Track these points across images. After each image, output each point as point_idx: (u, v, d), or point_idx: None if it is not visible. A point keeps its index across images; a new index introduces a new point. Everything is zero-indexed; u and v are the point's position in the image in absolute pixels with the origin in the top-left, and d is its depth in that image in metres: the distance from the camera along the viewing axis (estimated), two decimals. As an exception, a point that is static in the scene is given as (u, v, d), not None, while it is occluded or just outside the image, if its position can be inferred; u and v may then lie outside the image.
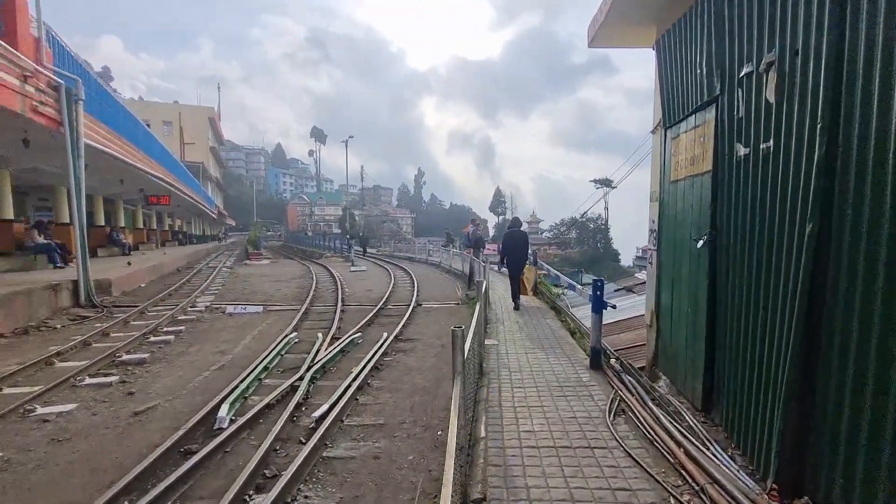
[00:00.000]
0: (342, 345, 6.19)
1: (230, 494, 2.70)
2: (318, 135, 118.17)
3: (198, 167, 38.75)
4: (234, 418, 3.89)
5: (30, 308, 7.23)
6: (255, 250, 24.00)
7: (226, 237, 48.26)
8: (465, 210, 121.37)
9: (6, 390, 4.45)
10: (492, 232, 74.71)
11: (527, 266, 10.11)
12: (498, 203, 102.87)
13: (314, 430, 3.64)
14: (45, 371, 5.09)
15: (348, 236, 25.12)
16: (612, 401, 3.82)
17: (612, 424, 3.38)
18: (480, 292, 6.14)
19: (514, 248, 8.62)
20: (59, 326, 7.32)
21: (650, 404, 3.67)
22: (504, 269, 9.57)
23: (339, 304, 9.64)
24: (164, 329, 7.13)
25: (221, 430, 3.68)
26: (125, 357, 5.51)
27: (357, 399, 4.41)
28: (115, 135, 12.88)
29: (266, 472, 3.13)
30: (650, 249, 4.89)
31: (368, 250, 33.62)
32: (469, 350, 3.16)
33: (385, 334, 6.82)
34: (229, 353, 6.05)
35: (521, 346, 5.75)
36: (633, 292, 13.72)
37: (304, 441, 3.51)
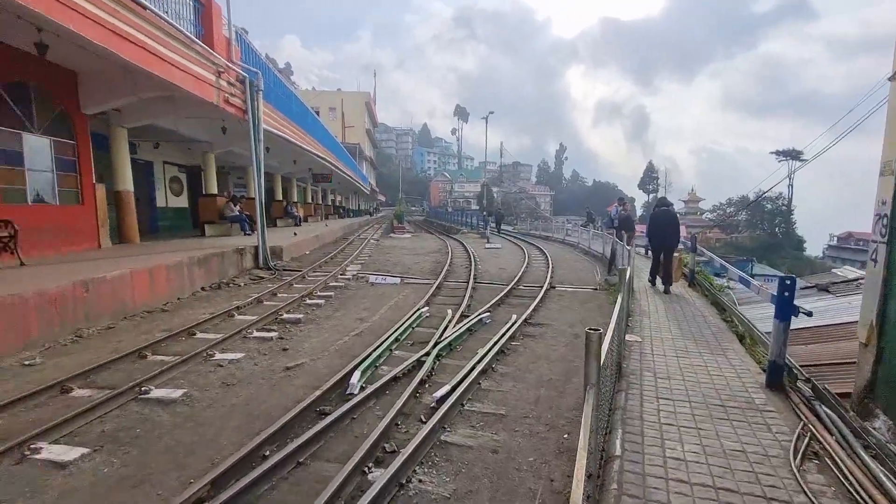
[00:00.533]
0: (470, 323, 6.12)
1: (352, 463, 2.76)
2: (461, 113, 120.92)
3: (354, 147, 42.90)
4: (364, 385, 4.07)
5: (223, 267, 8.77)
6: (399, 224, 25.78)
7: (376, 211, 53.07)
8: (610, 188, 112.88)
9: (199, 335, 5.41)
10: (639, 212, 67.99)
11: (679, 251, 8.75)
12: (649, 179, 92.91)
13: (435, 409, 3.58)
14: (226, 322, 6.08)
15: (485, 213, 25.24)
16: (798, 437, 2.94)
17: (798, 471, 2.58)
18: (623, 281, 5.41)
19: (663, 227, 8.05)
20: (241, 284, 8.78)
21: (860, 452, 2.71)
22: (650, 254, 8.68)
23: (471, 280, 9.65)
24: (318, 293, 7.99)
25: (352, 395, 3.87)
26: (285, 316, 6.28)
27: (479, 384, 4.25)
28: (287, 121, 14.78)
29: (386, 445, 3.17)
30: (874, 241, 3.61)
31: (504, 227, 33.54)
32: (607, 351, 2.68)
33: (514, 317, 6.55)
34: (367, 320, 6.46)
35: (671, 347, 4.91)
36: (830, 293, 10.96)
37: (424, 420, 3.48)
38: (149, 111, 9.77)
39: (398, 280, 9.62)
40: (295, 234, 12.45)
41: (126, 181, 10.09)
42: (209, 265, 8.29)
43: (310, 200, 30.47)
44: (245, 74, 9.87)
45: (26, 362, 4.43)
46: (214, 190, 15.08)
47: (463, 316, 6.76)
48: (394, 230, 25.16)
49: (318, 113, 51.90)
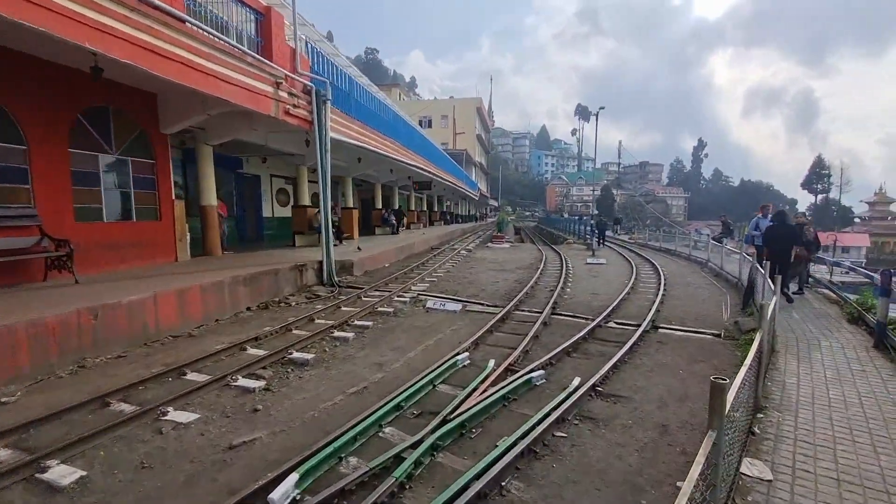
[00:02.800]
0: (510, 386, 4.52)
1: None
2: (583, 112, 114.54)
3: (461, 154, 42.61)
4: (298, 498, 2.85)
5: (276, 285, 8.39)
6: (499, 234, 24.34)
7: (486, 217, 52.14)
8: (762, 188, 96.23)
9: (188, 376, 4.76)
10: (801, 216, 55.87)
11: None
12: (817, 177, 76.73)
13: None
14: (231, 357, 5.40)
15: (592, 222, 22.44)
16: None
17: None
18: (764, 327, 3.33)
19: (778, 240, 8.12)
20: (292, 304, 8.29)
21: None
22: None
23: (548, 310, 7.88)
24: (356, 321, 7.04)
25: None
26: (295, 355, 5.39)
27: (471, 521, 2.71)
28: (372, 131, 14.46)
29: None
30: None
31: (620, 235, 29.87)
32: None
33: (577, 380, 4.74)
34: (388, 367, 5.25)
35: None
36: None
37: None
38: (228, 127, 9.98)
39: (459, 307, 8.27)
40: (359, 248, 11.90)
41: (210, 196, 10.48)
42: (259, 284, 7.93)
43: (413, 208, 30.71)
44: (311, 84, 9.50)
45: (3, 399, 4.15)
46: (307, 201, 15.46)
47: (509, 370, 5.16)
48: (492, 239, 23.81)
49: (430, 122, 53.22)
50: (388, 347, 5.96)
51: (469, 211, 56.65)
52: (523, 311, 8.23)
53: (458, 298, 9.00)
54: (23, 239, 6.36)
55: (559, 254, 17.95)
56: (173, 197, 9.20)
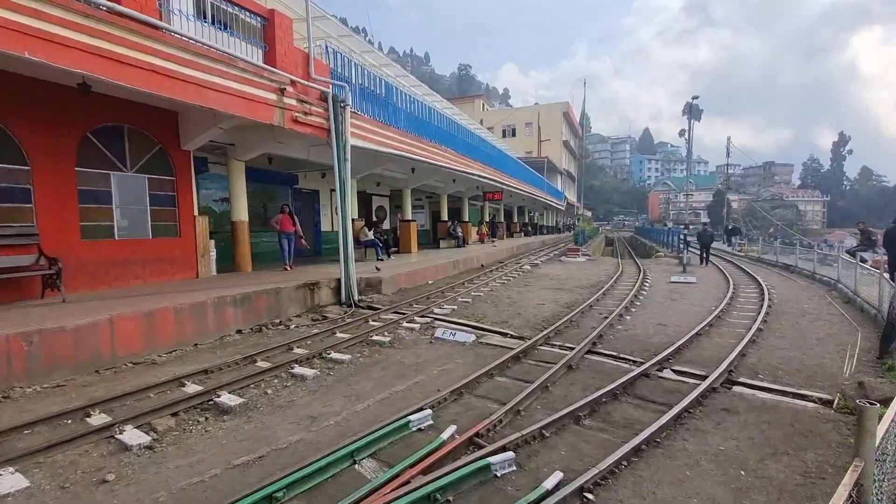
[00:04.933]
0: (451, 477, 3.08)
1: None
2: (695, 112, 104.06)
3: (542, 162, 40.37)
4: None
5: (276, 305, 7.74)
6: (575, 247, 21.97)
7: (573, 228, 48.51)
8: (933, 187, 78.17)
9: (91, 418, 4.07)
10: None
11: None
12: None
13: None
14: (162, 395, 4.65)
15: (683, 233, 19.09)
16: None
17: None
18: None
19: None
20: (291, 327, 7.56)
21: None
22: None
23: (583, 348, 6.13)
24: (332, 354, 5.99)
25: None
26: (223, 398, 4.48)
27: None
28: (418, 139, 13.63)
29: None
30: None
31: (735, 248, 25.41)
32: None
33: (558, 477, 3.13)
34: (318, 424, 4.08)
35: None
36: None
37: None
38: (252, 141, 9.80)
39: (471, 338, 6.84)
40: (378, 268, 10.96)
41: (241, 212, 10.37)
42: (254, 304, 7.33)
43: (486, 219, 29.41)
44: (326, 90, 8.87)
45: None
46: (353, 214, 15.06)
47: (473, 442, 3.69)
48: (567, 253, 21.56)
49: (513, 131, 51.62)
50: (343, 393, 4.80)
51: (555, 221, 53.65)
52: (552, 346, 6.54)
53: (480, 326, 7.56)
54: (22, 257, 6.44)
55: (642, 270, 15.36)
56: (195, 213, 9.12)
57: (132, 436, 3.72)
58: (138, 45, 5.75)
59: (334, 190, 18.27)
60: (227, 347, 6.40)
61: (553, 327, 7.37)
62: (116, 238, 7.83)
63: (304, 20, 8.74)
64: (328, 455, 3.36)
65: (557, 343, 6.66)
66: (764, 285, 11.35)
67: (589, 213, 75.35)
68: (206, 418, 4.18)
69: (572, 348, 6.29)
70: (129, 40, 5.68)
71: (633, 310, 9.12)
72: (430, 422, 4.09)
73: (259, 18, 7.86)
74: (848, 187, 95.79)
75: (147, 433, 3.79)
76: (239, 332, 7.10)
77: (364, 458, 3.50)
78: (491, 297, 10.37)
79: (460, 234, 21.62)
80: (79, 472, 3.27)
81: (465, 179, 19.92)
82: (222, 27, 7.28)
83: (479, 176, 19.84)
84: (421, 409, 4.21)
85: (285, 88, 7.95)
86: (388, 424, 3.89)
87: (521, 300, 10.06)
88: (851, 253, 11.26)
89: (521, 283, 12.70)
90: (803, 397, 4.62)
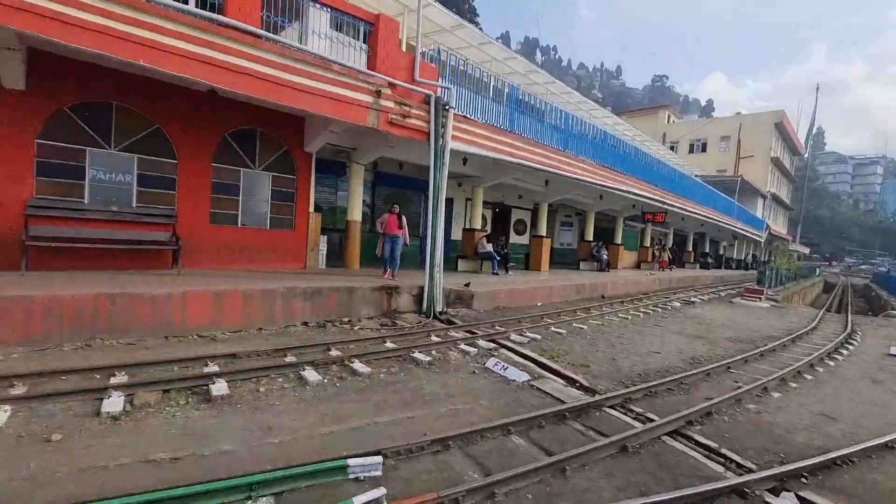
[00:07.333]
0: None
1: None
2: None
3: (734, 182, 33.48)
4: None
5: (348, 304, 7.78)
6: (755, 289, 17.27)
7: (756, 263, 38.70)
8: None
9: (113, 378, 4.49)
10: None
11: None
12: None
13: None
14: (187, 369, 4.90)
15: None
16: None
17: None
18: None
19: None
20: (357, 328, 7.46)
21: None
22: None
23: (666, 424, 4.42)
24: (355, 364, 5.55)
25: None
26: (216, 385, 4.45)
27: None
28: (548, 149, 12.52)
29: None
30: None
31: None
32: None
33: None
34: (273, 437, 3.65)
35: None
36: None
37: None
38: (368, 145, 10.25)
39: (524, 378, 5.62)
40: (467, 283, 9.97)
41: (355, 212, 10.95)
42: (323, 300, 7.48)
43: (646, 244, 25.67)
44: (429, 92, 8.66)
45: (-1, 358, 4.82)
46: (477, 224, 14.67)
47: (391, 519, 2.77)
48: (743, 294, 17.14)
49: (703, 146, 44.58)
50: (325, 410, 4.30)
51: (752, 254, 44.06)
52: (625, 412, 4.91)
53: (546, 364, 6.23)
54: (161, 233, 7.83)
55: (850, 329, 11.09)
56: (310, 210, 9.94)
57: (112, 403, 3.92)
58: (236, 51, 6.41)
59: (470, 199, 18.29)
60: (281, 337, 6.60)
61: (646, 386, 5.59)
62: (238, 226, 9.01)
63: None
64: (215, 481, 2.90)
65: (637, 410, 4.97)
66: None
67: (807, 250, 59.81)
68: (188, 401, 4.20)
69: (651, 420, 4.59)
70: (232, 48, 6.37)
71: (795, 385, 6.39)
72: (377, 473, 3.28)
73: (364, 23, 8.11)
74: None
75: (125, 404, 3.95)
76: (305, 324, 7.32)
77: (262, 496, 2.93)
78: (595, 333, 8.65)
79: (605, 256, 19.21)
80: (44, 426, 3.53)
81: (615, 196, 17.64)
82: (336, 30, 7.71)
83: (632, 193, 17.32)
84: (378, 454, 3.45)
85: (381, 91, 8.00)
86: (322, 462, 3.24)
87: (632, 343, 8.10)
88: None
89: (649, 323, 10.38)
90: None
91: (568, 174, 13.38)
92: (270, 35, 6.74)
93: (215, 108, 8.26)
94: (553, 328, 8.60)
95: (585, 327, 9.04)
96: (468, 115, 10.30)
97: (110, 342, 5.58)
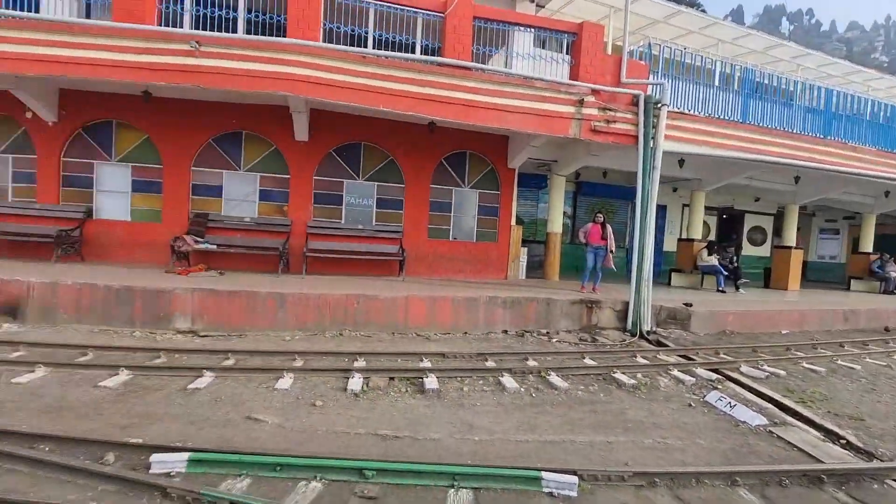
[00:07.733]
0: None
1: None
2: None
3: None
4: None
5: (546, 315, 7.81)
6: None
7: None
8: None
9: (356, 362, 5.60)
10: None
11: None
12: None
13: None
14: (405, 362, 5.73)
15: None
16: None
17: None
18: None
19: None
20: (554, 340, 7.39)
21: None
22: None
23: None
24: (552, 377, 5.47)
25: None
26: (429, 379, 5.06)
27: None
28: (790, 136, 10.06)
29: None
30: None
31: None
32: None
33: None
34: (475, 434, 3.95)
35: None
36: None
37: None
38: (569, 156, 10.15)
39: (758, 421, 4.59)
40: (689, 304, 8.16)
41: (556, 224, 10.94)
42: (523, 309, 7.69)
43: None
44: (637, 92, 8.03)
45: (286, 338, 6.56)
46: (697, 234, 12.76)
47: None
48: None
49: None
50: (523, 419, 4.39)
51: None
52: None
53: (796, 410, 4.95)
54: (391, 246, 9.40)
55: None
56: (512, 223, 10.39)
57: (354, 382, 4.89)
58: (449, 85, 7.25)
59: (687, 205, 16.15)
60: (484, 342, 7.06)
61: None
62: (450, 239, 10.07)
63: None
64: (429, 464, 3.30)
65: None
66: None
67: None
68: (407, 390, 4.90)
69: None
70: (446, 83, 7.25)
71: None
72: (571, 493, 3.19)
73: (567, 35, 8.07)
74: None
75: (363, 385, 4.87)
76: (504, 332, 7.66)
77: (463, 488, 3.19)
78: (875, 377, 6.42)
79: (893, 274, 14.07)
80: (312, 393, 4.66)
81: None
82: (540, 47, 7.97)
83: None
84: (574, 473, 3.36)
85: (584, 99, 7.81)
86: (518, 468, 3.35)
87: (847, 398, 5.71)
88: None
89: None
90: None
91: (830, 168, 10.40)
92: (479, 66, 7.41)
93: (433, 137, 9.50)
94: (805, 364, 6.77)
95: (858, 367, 6.81)
96: (685, 111, 9.13)
97: (354, 333, 6.98)
